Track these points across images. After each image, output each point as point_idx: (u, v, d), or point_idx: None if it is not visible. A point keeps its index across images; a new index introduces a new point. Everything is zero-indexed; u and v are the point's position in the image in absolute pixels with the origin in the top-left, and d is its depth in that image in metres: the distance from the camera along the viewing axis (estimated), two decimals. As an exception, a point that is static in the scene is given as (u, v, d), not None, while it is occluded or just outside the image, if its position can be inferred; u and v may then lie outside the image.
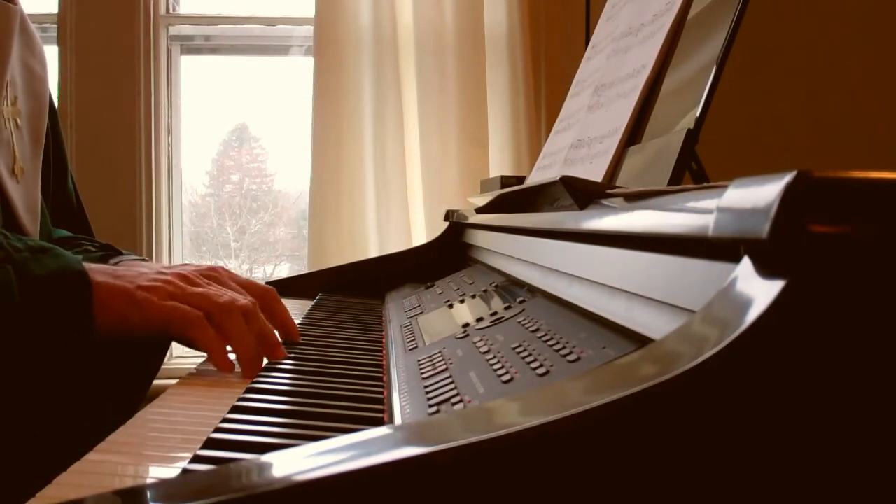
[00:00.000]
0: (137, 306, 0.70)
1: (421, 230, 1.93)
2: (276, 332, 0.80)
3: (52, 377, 0.71)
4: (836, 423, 0.29)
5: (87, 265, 0.72)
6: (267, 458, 0.31)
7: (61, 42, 2.02)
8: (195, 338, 0.70)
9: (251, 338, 0.73)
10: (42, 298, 0.68)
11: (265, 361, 0.75)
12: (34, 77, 1.00)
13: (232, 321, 0.72)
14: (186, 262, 0.98)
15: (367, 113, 1.93)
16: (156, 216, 2.07)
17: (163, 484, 0.33)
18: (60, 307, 0.68)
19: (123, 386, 0.81)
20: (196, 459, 0.48)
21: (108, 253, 1.00)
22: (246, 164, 2.47)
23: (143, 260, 1.00)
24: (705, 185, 0.58)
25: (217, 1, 2.31)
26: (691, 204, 0.43)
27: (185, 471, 0.46)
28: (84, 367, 0.74)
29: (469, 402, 0.52)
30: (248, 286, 0.83)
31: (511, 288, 0.83)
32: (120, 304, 0.70)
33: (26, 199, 0.92)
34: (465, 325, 0.74)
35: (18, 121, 0.95)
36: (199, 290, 0.74)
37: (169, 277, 0.74)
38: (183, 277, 0.75)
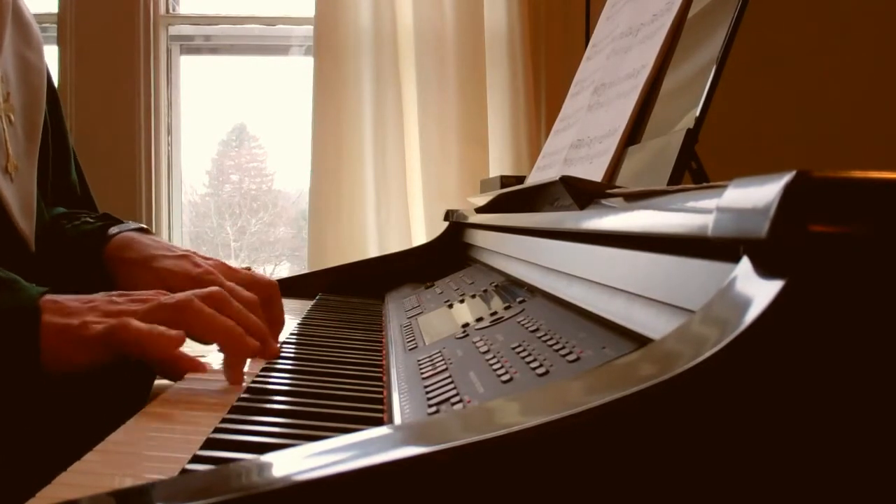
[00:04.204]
0: (83, 344, 0.68)
1: (421, 230, 1.93)
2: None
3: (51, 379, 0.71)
4: (835, 422, 0.29)
5: (44, 299, 0.70)
6: (267, 458, 0.31)
7: (61, 42, 2.02)
8: (140, 352, 0.67)
9: (223, 322, 0.70)
10: None
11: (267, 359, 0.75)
12: (29, 68, 0.97)
13: (202, 316, 0.69)
14: (190, 249, 0.96)
15: (366, 113, 1.93)
16: (156, 216, 2.07)
17: (162, 484, 0.33)
18: (6, 346, 0.67)
19: (124, 385, 0.81)
20: (196, 459, 0.48)
21: (107, 223, 0.98)
22: (245, 163, 2.47)
23: (143, 228, 0.98)
24: (705, 185, 0.58)
25: (217, 1, 2.31)
26: (691, 204, 0.43)
27: (184, 471, 0.46)
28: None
29: (469, 402, 0.52)
30: (250, 282, 0.83)
31: (511, 288, 0.83)
32: (66, 345, 0.68)
33: (20, 198, 0.91)
34: (465, 325, 0.74)
35: (12, 116, 0.93)
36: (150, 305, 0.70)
37: (122, 307, 0.71)
38: (138, 302, 0.72)
